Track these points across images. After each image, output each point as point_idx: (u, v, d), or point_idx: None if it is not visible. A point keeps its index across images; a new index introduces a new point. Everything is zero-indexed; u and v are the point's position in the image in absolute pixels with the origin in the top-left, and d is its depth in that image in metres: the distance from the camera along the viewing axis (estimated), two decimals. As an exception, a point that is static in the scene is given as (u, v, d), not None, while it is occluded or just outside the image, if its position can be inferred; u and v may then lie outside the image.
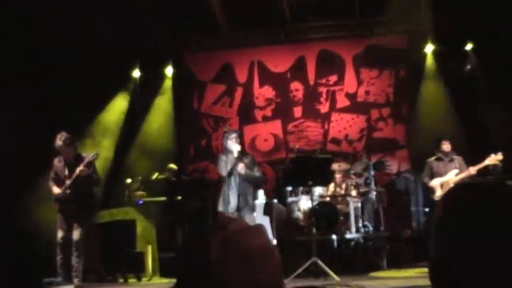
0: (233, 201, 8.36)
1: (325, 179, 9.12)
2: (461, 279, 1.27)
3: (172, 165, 11.68)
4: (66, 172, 8.37)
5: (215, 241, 1.45)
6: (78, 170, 8.21)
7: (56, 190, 8.37)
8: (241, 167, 8.30)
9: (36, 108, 10.31)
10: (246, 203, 8.46)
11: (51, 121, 9.89)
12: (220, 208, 8.57)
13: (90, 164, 8.39)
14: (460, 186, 1.37)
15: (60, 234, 8.35)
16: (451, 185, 9.27)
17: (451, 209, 1.34)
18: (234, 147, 8.36)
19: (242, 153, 8.55)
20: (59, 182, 8.40)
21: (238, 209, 8.39)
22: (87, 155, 8.47)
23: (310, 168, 8.39)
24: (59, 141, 8.26)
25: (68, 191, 8.29)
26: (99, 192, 11.00)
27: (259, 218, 8.65)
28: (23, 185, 9.69)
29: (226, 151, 8.48)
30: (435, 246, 1.34)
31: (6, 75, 9.56)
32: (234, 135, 8.54)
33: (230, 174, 8.36)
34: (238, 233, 1.48)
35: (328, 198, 10.55)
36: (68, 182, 8.29)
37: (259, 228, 1.55)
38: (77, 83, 10.81)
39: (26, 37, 9.88)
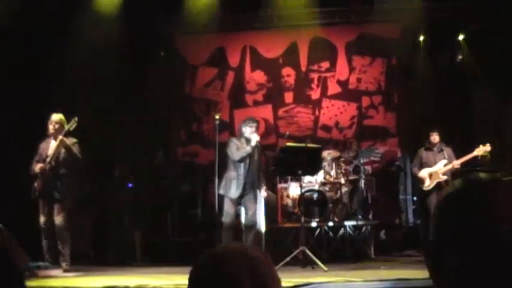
0: (237, 189, 8.44)
1: (314, 168, 9.18)
2: (458, 263, 1.31)
3: (161, 149, 11.69)
4: (50, 152, 8.34)
5: (243, 270, 1.48)
6: (58, 140, 8.19)
7: (37, 167, 8.29)
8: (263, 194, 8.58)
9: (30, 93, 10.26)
10: (250, 192, 8.52)
11: (44, 102, 9.86)
12: (221, 191, 8.62)
13: (69, 134, 8.32)
14: (462, 180, 1.41)
15: (42, 219, 8.35)
16: (440, 175, 9.37)
17: (451, 200, 1.38)
18: (254, 136, 8.42)
19: (260, 150, 8.68)
20: (42, 162, 8.35)
21: (241, 196, 8.46)
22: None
23: (300, 158, 8.42)
24: (54, 118, 8.28)
25: (48, 166, 8.25)
26: (85, 175, 11.01)
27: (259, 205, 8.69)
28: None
29: (240, 136, 8.52)
30: (435, 230, 1.38)
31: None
32: (255, 124, 8.61)
33: (241, 160, 8.40)
34: (261, 260, 1.51)
35: (317, 186, 10.59)
36: (48, 158, 8.26)
37: (267, 257, 1.58)
38: (66, 67, 10.74)
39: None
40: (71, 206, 8.61)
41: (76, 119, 8.29)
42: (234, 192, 8.44)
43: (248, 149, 8.39)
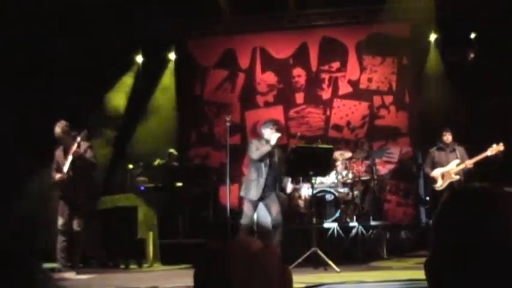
0: (257, 191, 8.45)
1: (326, 169, 9.13)
2: (454, 274, 1.31)
3: (173, 151, 11.68)
4: (66, 162, 8.41)
5: (236, 262, 1.47)
6: (70, 152, 8.26)
7: (57, 175, 8.44)
8: (289, 188, 8.45)
9: (35, 95, 10.26)
10: (271, 193, 8.53)
11: (51, 108, 9.88)
12: (242, 194, 8.65)
13: (80, 145, 8.37)
14: (460, 190, 1.41)
15: (61, 221, 8.44)
16: (452, 175, 9.31)
17: (450, 210, 1.38)
18: (274, 135, 8.42)
19: (280, 154, 8.69)
20: (60, 171, 8.46)
21: (261, 198, 8.48)
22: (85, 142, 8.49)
23: (311, 158, 8.39)
24: (58, 129, 8.31)
25: (66, 176, 8.34)
26: (101, 177, 11.06)
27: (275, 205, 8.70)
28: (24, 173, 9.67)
29: (260, 138, 8.54)
30: (434, 241, 1.39)
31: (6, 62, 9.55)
32: (274, 126, 8.61)
33: (261, 159, 8.44)
34: (259, 255, 1.50)
35: (329, 187, 10.56)
36: (64, 168, 8.33)
37: (276, 249, 1.58)
38: (79, 69, 10.77)
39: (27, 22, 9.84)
40: (90, 210, 8.75)
41: (86, 131, 8.42)
42: (254, 194, 8.46)
43: (267, 147, 8.38)
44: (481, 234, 1.28)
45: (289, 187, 8.70)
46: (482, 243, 1.27)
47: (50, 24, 10.25)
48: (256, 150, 8.44)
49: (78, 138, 8.33)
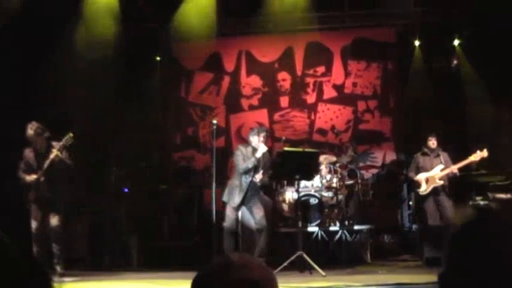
0: (239, 197, 8.52)
1: (312, 173, 9.17)
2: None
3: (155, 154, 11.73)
4: (37, 162, 8.29)
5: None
6: (52, 155, 8.12)
7: (30, 177, 8.24)
8: (258, 178, 8.41)
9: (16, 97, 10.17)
10: (254, 197, 8.56)
11: (29, 110, 9.79)
12: (224, 199, 8.70)
13: (64, 148, 8.27)
14: (476, 212, 1.44)
15: (34, 224, 8.28)
16: (437, 180, 9.38)
17: (466, 230, 1.41)
18: (261, 146, 8.46)
19: (265, 154, 8.66)
20: (31, 172, 8.28)
21: (242, 203, 8.52)
22: (58, 142, 8.27)
23: (297, 162, 8.43)
24: (30, 131, 8.18)
25: (42, 179, 8.22)
26: (84, 179, 10.98)
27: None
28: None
29: (248, 145, 8.58)
30: (449, 258, 1.41)
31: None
32: (264, 134, 8.65)
33: (246, 172, 8.51)
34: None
35: (313, 190, 10.59)
36: (43, 168, 8.22)
37: (274, 279, 1.59)
38: (64, 73, 10.72)
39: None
40: (64, 209, 8.58)
41: (71, 134, 8.23)
42: (236, 200, 8.51)
43: (253, 161, 8.43)
44: (497, 258, 1.30)
45: (258, 178, 8.66)
46: (497, 267, 1.29)
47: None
48: (243, 160, 8.47)
49: (62, 142, 8.22)
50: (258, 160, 8.45)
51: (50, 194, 8.27)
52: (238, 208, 8.61)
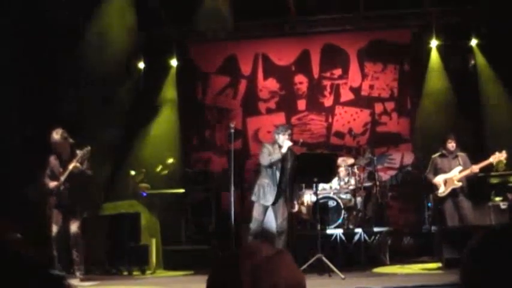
0: (271, 195, 8.54)
1: (330, 175, 9.15)
2: None
3: (171, 160, 11.74)
4: (61, 169, 8.35)
5: (245, 270, 1.47)
6: (70, 166, 8.20)
7: (52, 184, 8.34)
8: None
9: (36, 102, 10.23)
10: (281, 199, 8.60)
11: (51, 115, 9.85)
12: (254, 198, 8.70)
13: (83, 160, 8.36)
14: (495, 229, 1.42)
15: (55, 229, 8.33)
16: (455, 181, 9.32)
17: (486, 243, 1.39)
18: (285, 143, 8.49)
19: (291, 152, 8.71)
20: (55, 179, 8.38)
21: (274, 203, 8.52)
22: (81, 150, 8.36)
23: (315, 165, 8.42)
24: (56, 136, 8.25)
25: (62, 187, 8.29)
26: (103, 184, 11.04)
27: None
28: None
29: (274, 142, 8.63)
30: (470, 273, 1.39)
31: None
32: (288, 131, 8.73)
33: (270, 166, 8.54)
34: (268, 262, 1.50)
35: (331, 193, 10.57)
36: (62, 178, 8.29)
37: (286, 255, 1.58)
38: (80, 75, 10.77)
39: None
40: (83, 215, 8.70)
41: (89, 148, 8.36)
42: (269, 199, 8.53)
43: (278, 155, 8.46)
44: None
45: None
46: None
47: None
48: (269, 155, 8.49)
49: (80, 155, 8.28)
50: (284, 156, 8.48)
51: (70, 201, 8.36)
52: (267, 208, 8.60)
